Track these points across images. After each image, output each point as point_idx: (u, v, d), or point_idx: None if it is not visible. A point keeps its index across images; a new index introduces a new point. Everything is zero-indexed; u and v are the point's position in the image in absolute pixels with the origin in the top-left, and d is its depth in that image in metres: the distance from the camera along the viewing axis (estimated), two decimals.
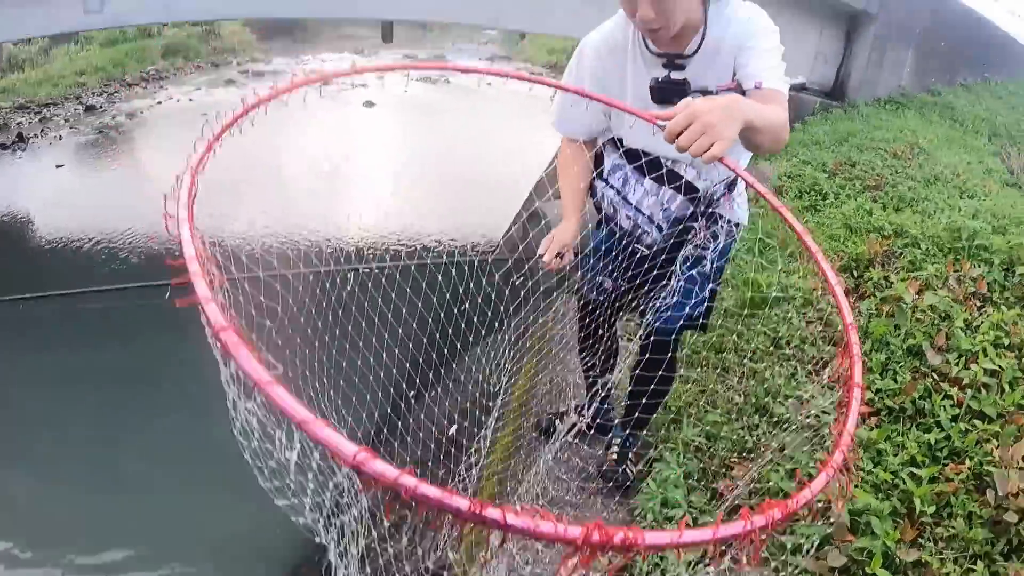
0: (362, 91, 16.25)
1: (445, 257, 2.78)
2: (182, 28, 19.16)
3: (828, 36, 9.92)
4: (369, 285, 2.49)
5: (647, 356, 2.66)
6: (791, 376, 3.40)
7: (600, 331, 2.91)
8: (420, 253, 7.66)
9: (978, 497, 2.82)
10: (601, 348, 2.97)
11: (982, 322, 3.66)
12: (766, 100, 1.98)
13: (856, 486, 2.79)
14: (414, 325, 2.61)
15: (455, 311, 2.71)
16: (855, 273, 4.35)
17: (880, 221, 4.91)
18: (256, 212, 8.58)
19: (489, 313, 2.68)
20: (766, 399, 3.35)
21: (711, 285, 2.59)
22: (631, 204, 2.45)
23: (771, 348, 3.79)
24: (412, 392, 2.94)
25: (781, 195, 5.81)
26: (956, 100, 9.92)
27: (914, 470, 2.87)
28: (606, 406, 3.21)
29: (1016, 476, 2.75)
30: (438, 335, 2.70)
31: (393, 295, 2.54)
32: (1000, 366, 3.36)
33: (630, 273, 2.60)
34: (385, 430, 2.92)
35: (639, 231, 2.47)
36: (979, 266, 4.19)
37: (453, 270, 2.71)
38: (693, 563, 2.02)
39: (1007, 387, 3.29)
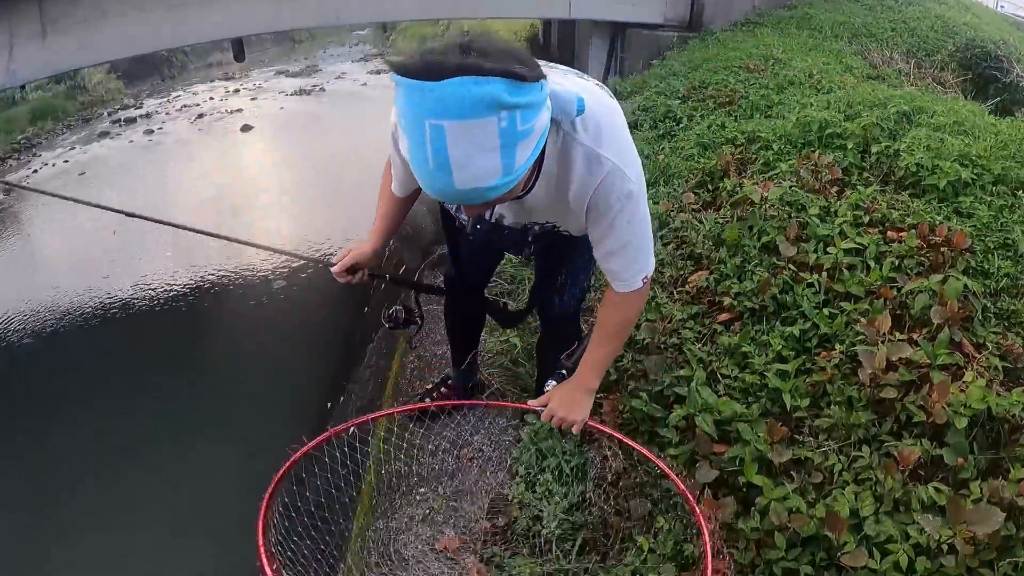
0: (238, 116, 15.77)
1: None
2: (45, 89, 18.33)
3: None
4: None
5: (552, 335, 2.84)
6: (651, 300, 3.20)
7: (465, 307, 2.94)
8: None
9: (855, 381, 2.66)
10: (467, 318, 3.01)
11: (839, 206, 3.53)
12: (621, 303, 2.11)
13: (720, 396, 2.61)
14: None
15: None
16: (710, 187, 4.19)
17: (733, 132, 4.77)
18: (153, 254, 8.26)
19: None
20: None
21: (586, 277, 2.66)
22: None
23: None
24: None
25: (636, 129, 5.64)
26: (813, 10, 9.89)
27: (781, 366, 2.70)
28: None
29: (885, 350, 2.60)
30: None
31: None
32: (862, 244, 3.23)
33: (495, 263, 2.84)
34: None
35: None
36: (832, 153, 4.07)
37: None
38: None
39: (872, 264, 3.16)
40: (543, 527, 2.44)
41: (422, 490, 2.80)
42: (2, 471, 5.12)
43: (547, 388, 2.47)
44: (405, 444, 2.80)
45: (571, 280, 2.56)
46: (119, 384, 5.94)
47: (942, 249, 3.20)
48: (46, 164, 14.81)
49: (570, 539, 2.43)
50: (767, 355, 2.78)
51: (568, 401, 2.23)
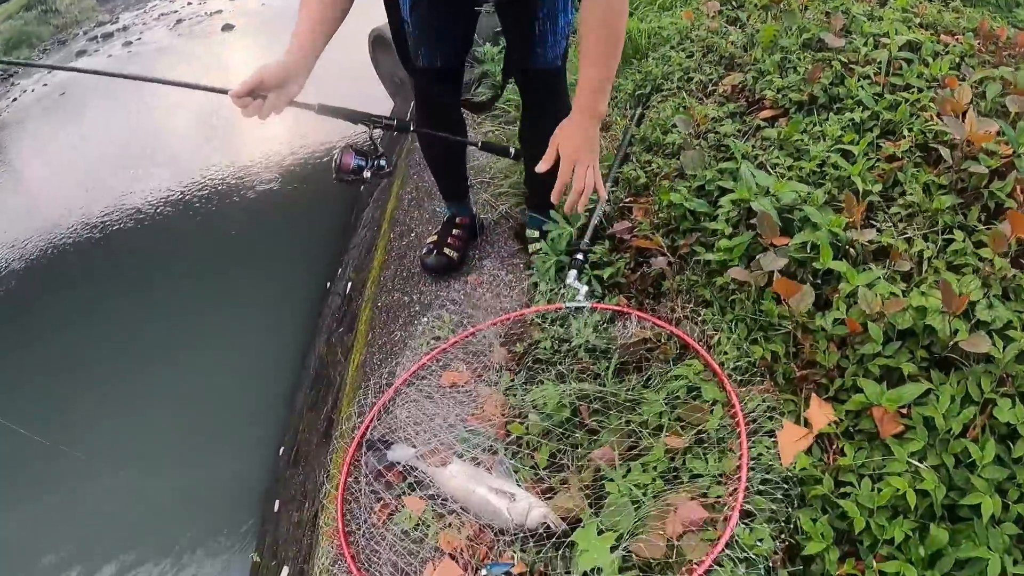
0: (217, 17, 15.01)
1: None
2: (16, 18, 17.54)
3: None
4: None
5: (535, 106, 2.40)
6: (679, 107, 2.69)
7: (439, 113, 2.44)
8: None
9: (929, 170, 2.18)
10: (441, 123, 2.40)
11: (885, 12, 3.03)
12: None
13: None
14: None
15: None
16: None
17: None
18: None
19: None
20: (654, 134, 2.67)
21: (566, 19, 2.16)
22: None
23: (652, 89, 3.13)
24: None
25: None
26: None
27: (844, 147, 2.20)
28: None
29: (972, 120, 2.11)
30: None
31: None
32: (918, 38, 2.74)
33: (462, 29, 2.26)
34: None
35: None
36: None
37: None
38: None
39: (930, 59, 2.67)
40: (572, 343, 1.95)
41: (424, 319, 2.30)
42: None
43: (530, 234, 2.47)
44: (405, 273, 2.33)
45: (550, 25, 2.12)
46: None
47: (1004, 53, 2.74)
48: (25, 91, 14.23)
49: (605, 358, 1.95)
50: (825, 143, 2.28)
51: (576, 139, 1.90)
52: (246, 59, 12.33)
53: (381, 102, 6.06)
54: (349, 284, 3.62)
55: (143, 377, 4.55)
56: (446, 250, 2.65)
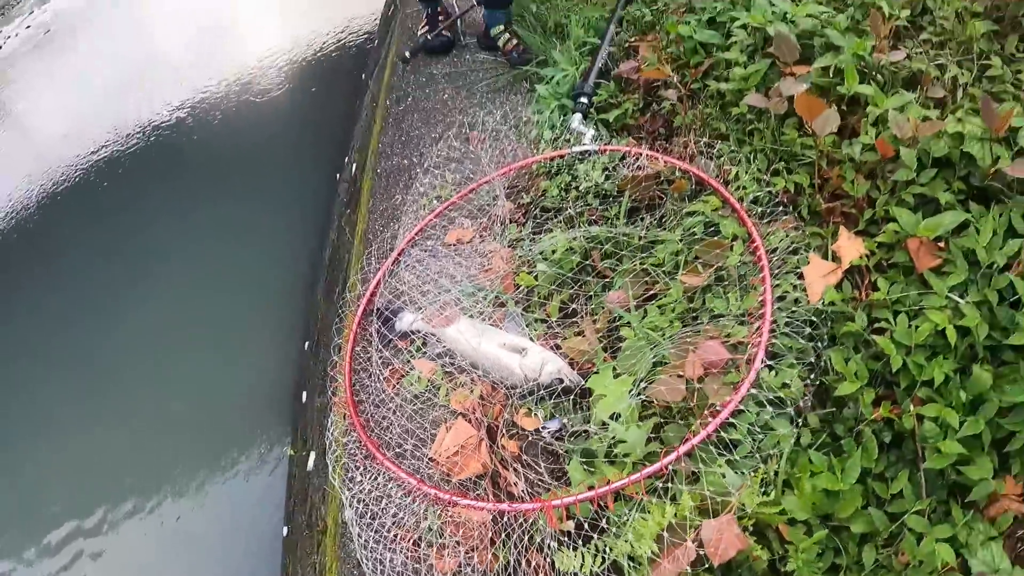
0: None
1: None
2: None
3: None
4: None
5: None
6: None
7: None
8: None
9: None
10: None
11: None
12: None
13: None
14: None
15: None
16: None
17: None
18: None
19: None
20: None
21: None
22: None
23: None
24: None
25: None
26: None
27: None
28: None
29: None
30: None
31: None
32: None
33: None
34: None
35: None
36: None
37: None
38: None
39: None
40: (578, 188, 1.82)
41: (426, 180, 2.18)
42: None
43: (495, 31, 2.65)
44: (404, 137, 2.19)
45: None
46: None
47: None
48: (9, 37, 13.70)
49: (614, 202, 1.82)
50: None
51: None
52: None
53: None
54: (354, 165, 3.53)
55: (166, 289, 4.56)
56: (443, 32, 3.02)
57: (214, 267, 4.64)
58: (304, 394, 3.01)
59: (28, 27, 12.79)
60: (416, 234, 2.02)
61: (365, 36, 6.59)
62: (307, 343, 3.49)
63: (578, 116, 2.08)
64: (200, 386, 3.83)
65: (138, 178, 6.29)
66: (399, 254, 2.00)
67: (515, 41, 2.71)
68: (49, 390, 4.16)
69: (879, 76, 1.78)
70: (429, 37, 3.03)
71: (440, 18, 3.07)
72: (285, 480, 3.15)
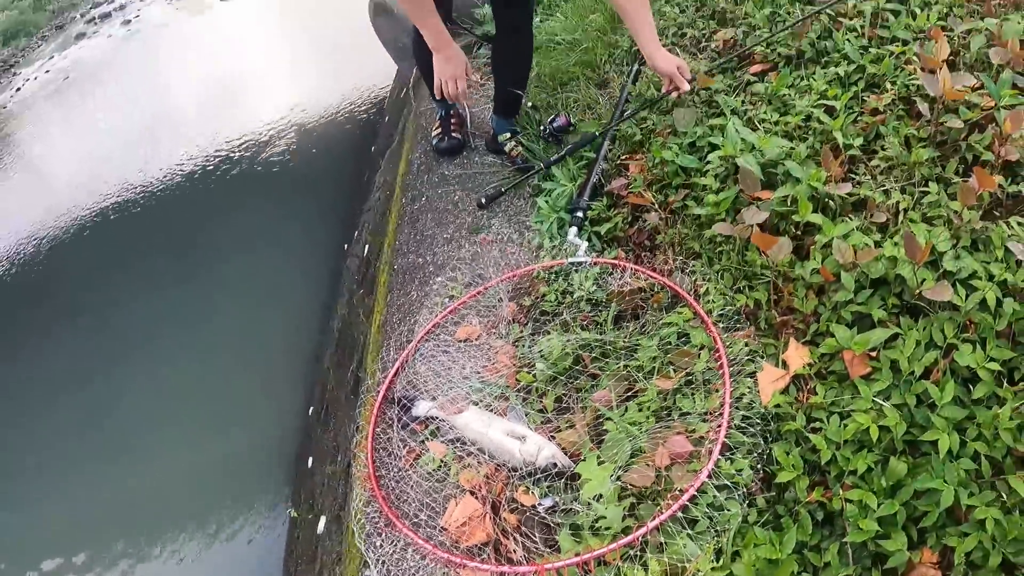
0: None
1: None
2: (11, 7, 17.22)
3: None
4: None
5: (504, 37, 2.97)
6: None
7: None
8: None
9: (910, 123, 2.31)
10: None
11: None
12: None
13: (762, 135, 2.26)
14: None
15: None
16: None
17: None
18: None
19: None
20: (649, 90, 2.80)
21: None
22: None
23: None
24: None
25: None
26: None
27: (828, 101, 2.34)
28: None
29: (947, 75, 2.23)
30: None
31: None
32: None
33: None
34: None
35: None
36: None
37: None
38: None
39: (917, 11, 2.76)
40: (573, 295, 2.13)
41: (439, 279, 2.49)
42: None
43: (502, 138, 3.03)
44: (419, 236, 2.51)
45: None
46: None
47: (994, 2, 2.81)
48: (28, 80, 14.07)
49: (603, 309, 2.13)
50: (810, 98, 2.41)
51: (671, 56, 2.57)
52: (245, 30, 12.26)
53: (384, 69, 6.25)
54: (367, 246, 3.79)
55: (171, 349, 4.74)
56: (453, 134, 3.33)
57: (219, 330, 4.83)
58: (311, 460, 3.22)
59: (47, 72, 13.19)
60: (428, 331, 2.32)
61: (375, 109, 6.83)
62: (311, 408, 3.65)
63: (574, 229, 2.41)
64: (201, 447, 4.00)
65: (144, 235, 6.47)
66: (414, 348, 2.29)
67: (520, 148, 3.02)
68: (52, 447, 4.34)
69: (831, 203, 2.09)
70: (443, 142, 3.34)
71: (452, 121, 3.36)
72: (285, 541, 3.32)
